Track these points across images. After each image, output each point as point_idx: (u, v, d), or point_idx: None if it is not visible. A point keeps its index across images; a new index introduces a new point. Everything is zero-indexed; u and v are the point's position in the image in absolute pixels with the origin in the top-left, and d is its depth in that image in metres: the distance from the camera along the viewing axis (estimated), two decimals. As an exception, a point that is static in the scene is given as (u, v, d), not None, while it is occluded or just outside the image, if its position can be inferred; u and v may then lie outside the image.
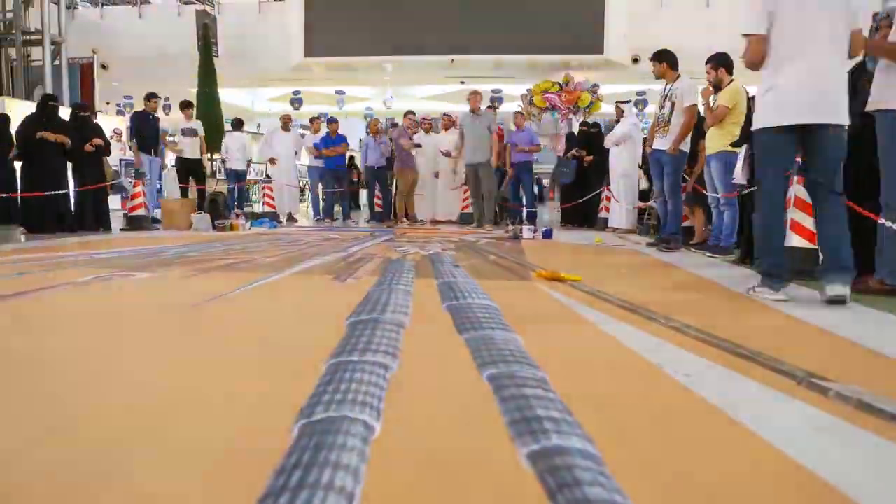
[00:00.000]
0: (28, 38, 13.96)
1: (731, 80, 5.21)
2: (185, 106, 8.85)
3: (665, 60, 5.53)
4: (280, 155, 9.83)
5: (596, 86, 13.77)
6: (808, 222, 3.61)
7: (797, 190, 3.65)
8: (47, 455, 1.14)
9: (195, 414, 1.37)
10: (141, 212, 7.63)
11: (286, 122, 10.05)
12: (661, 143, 5.55)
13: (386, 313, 2.39)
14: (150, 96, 8.33)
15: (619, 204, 7.81)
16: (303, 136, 10.63)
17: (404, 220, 9.29)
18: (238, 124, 10.06)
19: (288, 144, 9.95)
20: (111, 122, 13.31)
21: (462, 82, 18.17)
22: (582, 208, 8.62)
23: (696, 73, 16.97)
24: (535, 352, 1.87)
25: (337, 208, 9.92)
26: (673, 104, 5.39)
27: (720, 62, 5.19)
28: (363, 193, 11.09)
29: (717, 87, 5.31)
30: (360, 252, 4.83)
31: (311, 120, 10.55)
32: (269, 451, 1.13)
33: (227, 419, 1.34)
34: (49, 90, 13.74)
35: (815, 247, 3.62)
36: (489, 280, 3.40)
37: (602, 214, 8.36)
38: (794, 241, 3.64)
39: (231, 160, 9.71)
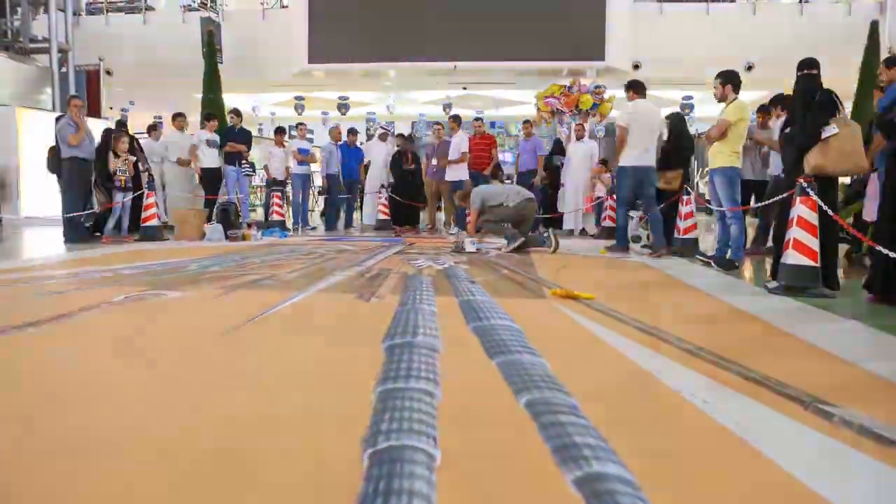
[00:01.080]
0: (35, 45, 14.09)
1: (735, 97, 5.34)
2: (208, 118, 9.23)
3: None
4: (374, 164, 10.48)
5: (599, 87, 13.94)
6: (812, 241, 3.78)
7: (799, 210, 3.82)
8: (139, 494, 1.30)
9: (269, 444, 1.52)
10: (154, 222, 7.77)
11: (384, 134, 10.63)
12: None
13: (418, 336, 2.55)
14: (235, 112, 9.31)
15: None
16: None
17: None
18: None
19: (381, 153, 10.50)
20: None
21: (464, 88, 18.39)
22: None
23: (696, 79, 17.12)
24: (560, 376, 2.04)
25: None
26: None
27: (728, 79, 5.30)
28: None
29: (721, 101, 5.44)
30: (376, 266, 5.00)
31: (297, 126, 10.94)
32: (344, 479, 1.30)
33: (299, 447, 1.49)
34: (56, 97, 13.91)
35: (818, 265, 3.80)
36: (506, 298, 3.57)
37: (606, 223, 8.52)
38: (798, 259, 3.80)
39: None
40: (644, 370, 2.20)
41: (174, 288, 3.86)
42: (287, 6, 16.65)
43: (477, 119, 9.88)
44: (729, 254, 5.27)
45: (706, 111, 20.83)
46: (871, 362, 2.28)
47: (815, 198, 3.78)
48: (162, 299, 3.49)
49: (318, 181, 12.10)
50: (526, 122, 10.29)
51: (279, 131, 10.47)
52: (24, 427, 1.62)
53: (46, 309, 3.13)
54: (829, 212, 3.78)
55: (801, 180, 3.85)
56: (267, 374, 2.13)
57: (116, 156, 7.47)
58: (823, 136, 3.90)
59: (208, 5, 18.23)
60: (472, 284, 4.04)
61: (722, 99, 5.39)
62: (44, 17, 14.25)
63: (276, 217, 9.57)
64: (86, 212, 7.45)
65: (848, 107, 13.48)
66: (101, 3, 17.59)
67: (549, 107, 13.13)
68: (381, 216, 10.38)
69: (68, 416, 1.70)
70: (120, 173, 7.53)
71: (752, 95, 18.31)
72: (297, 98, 19.32)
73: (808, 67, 4.22)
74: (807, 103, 4.08)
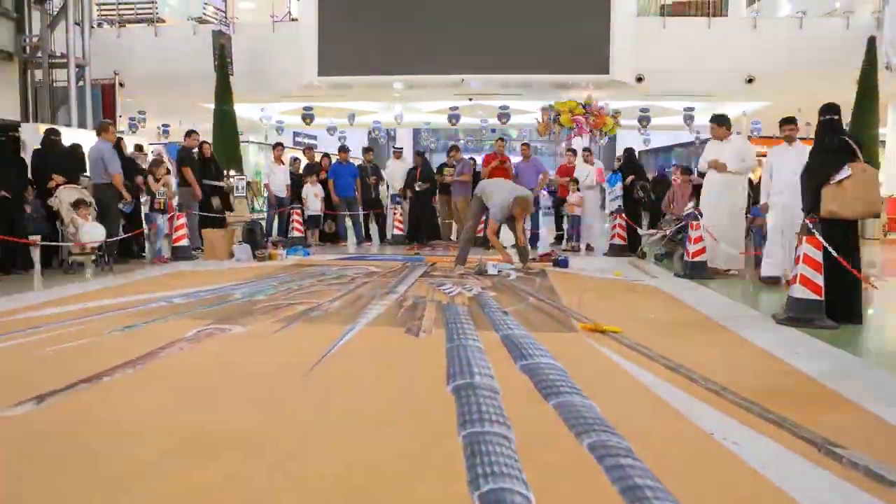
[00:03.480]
0: (53, 60, 14.43)
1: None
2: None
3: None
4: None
5: (618, 112, 14.39)
6: (817, 277, 4.15)
7: (805, 248, 4.19)
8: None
9: (395, 489, 1.88)
10: (184, 242, 8.11)
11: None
12: None
13: (475, 377, 2.92)
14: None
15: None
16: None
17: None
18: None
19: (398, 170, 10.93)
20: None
21: (470, 99, 18.76)
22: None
23: (697, 90, 17.44)
24: (608, 418, 2.41)
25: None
26: None
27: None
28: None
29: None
30: (409, 294, 5.36)
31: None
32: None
33: (422, 491, 1.85)
34: (74, 112, 14.25)
35: (821, 298, 4.18)
36: (540, 331, 3.94)
37: (615, 241, 8.89)
38: (805, 293, 4.18)
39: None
40: (676, 410, 2.56)
41: (234, 321, 4.22)
42: (297, 19, 17.01)
43: (500, 139, 10.25)
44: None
45: (705, 120, 21.29)
46: (871, 403, 2.65)
47: (819, 238, 4.16)
48: (229, 334, 3.85)
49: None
50: (524, 145, 10.66)
51: (277, 146, 10.82)
52: (182, 483, 1.98)
53: (128, 347, 3.48)
54: (833, 252, 4.15)
55: (808, 221, 4.23)
56: (360, 417, 2.48)
57: (156, 179, 7.81)
58: (836, 178, 4.23)
59: (219, 19, 18.59)
60: (506, 316, 4.41)
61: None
62: (60, 31, 14.58)
63: (296, 234, 9.93)
64: (122, 236, 7.76)
65: (846, 117, 13.98)
66: (114, 15, 17.93)
67: (574, 123, 13.56)
68: (397, 231, 10.75)
69: (211, 469, 2.06)
70: (159, 196, 7.87)
71: (752, 106, 18.78)
72: (304, 108, 19.66)
73: (828, 112, 4.53)
74: (822, 147, 4.46)
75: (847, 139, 4.40)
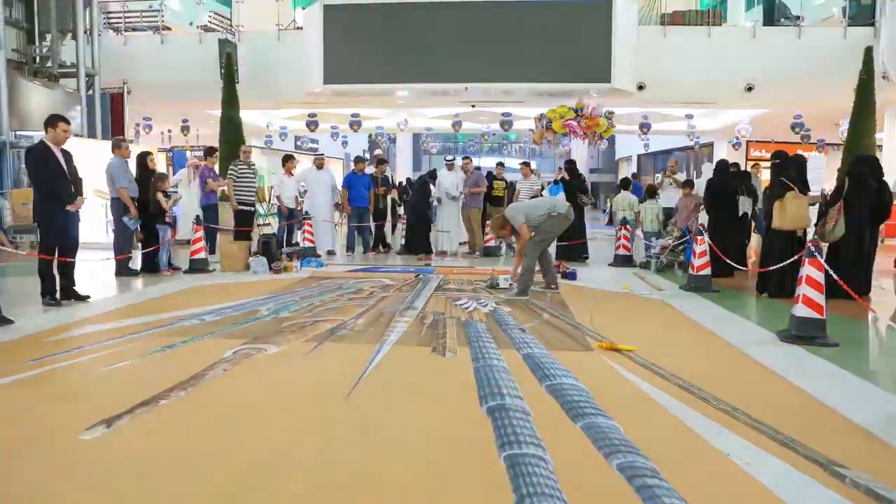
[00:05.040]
0: (64, 70, 14.65)
1: None
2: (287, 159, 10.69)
3: None
4: (316, 193, 10.66)
5: (611, 112, 14.62)
6: (818, 297, 4.40)
7: (808, 270, 4.44)
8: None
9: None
10: (201, 255, 8.34)
11: (321, 164, 10.87)
12: None
13: (506, 398, 3.16)
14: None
15: None
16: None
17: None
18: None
19: (324, 183, 10.78)
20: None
21: (473, 106, 19.01)
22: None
23: (697, 97, 17.76)
24: (631, 438, 2.65)
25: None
26: None
27: None
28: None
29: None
30: (427, 308, 5.61)
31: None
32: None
33: (468, 509, 2.09)
34: (84, 121, 14.48)
35: (823, 317, 4.43)
36: (559, 350, 4.19)
37: (619, 252, 9.14)
38: (807, 312, 4.43)
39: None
40: (690, 429, 2.81)
41: (267, 339, 4.45)
42: (301, 28, 17.24)
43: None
44: None
45: (705, 124, 21.65)
46: (871, 421, 2.89)
47: (820, 260, 4.41)
48: (265, 355, 4.09)
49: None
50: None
51: (288, 159, 11.02)
52: None
53: (173, 369, 3.70)
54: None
55: (810, 244, 4.48)
56: (408, 441, 2.71)
57: (165, 195, 8.00)
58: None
59: (225, 27, 18.82)
60: (524, 334, 4.65)
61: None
62: (70, 41, 14.81)
63: (307, 244, 10.15)
64: (149, 249, 7.97)
65: (845, 125, 14.33)
66: (119, 22, 18.13)
67: (566, 129, 13.79)
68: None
69: (288, 500, 2.29)
70: (170, 211, 8.08)
71: (752, 113, 19.06)
72: (309, 115, 19.88)
73: (774, 159, 6.58)
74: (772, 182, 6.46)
75: (785, 180, 6.17)
